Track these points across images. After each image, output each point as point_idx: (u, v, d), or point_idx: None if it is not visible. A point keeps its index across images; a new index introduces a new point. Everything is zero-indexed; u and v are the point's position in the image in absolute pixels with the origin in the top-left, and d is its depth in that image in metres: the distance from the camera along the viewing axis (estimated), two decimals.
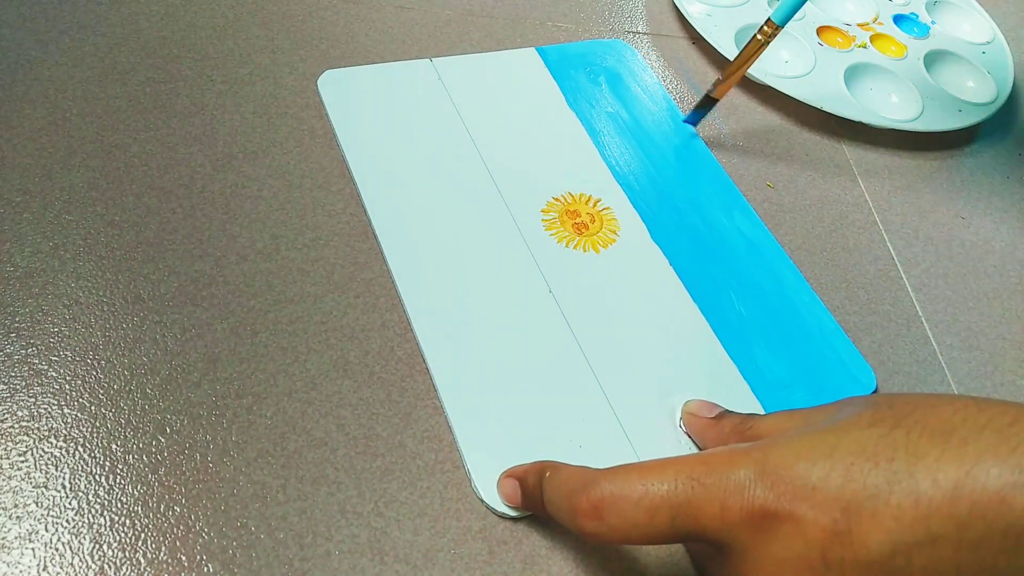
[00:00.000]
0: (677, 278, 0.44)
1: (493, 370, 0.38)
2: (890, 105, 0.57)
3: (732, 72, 0.48)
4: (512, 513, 0.34)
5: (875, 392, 0.42)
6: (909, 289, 0.47)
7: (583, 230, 0.45)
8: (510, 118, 0.50)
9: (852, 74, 0.57)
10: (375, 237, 0.42)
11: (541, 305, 0.41)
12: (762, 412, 0.39)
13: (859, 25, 0.62)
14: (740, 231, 0.47)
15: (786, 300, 0.44)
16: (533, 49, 0.55)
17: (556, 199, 0.46)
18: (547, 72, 0.53)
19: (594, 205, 0.46)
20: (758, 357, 0.41)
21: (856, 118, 0.54)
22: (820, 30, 0.60)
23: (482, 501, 0.34)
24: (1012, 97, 0.60)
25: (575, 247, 0.44)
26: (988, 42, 0.64)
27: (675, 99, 0.54)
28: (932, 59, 0.60)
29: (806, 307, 0.44)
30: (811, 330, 0.43)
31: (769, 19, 0.46)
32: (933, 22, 0.64)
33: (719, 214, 0.48)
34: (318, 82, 0.49)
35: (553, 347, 0.40)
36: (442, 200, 0.44)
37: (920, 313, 0.46)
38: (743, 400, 0.40)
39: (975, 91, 0.59)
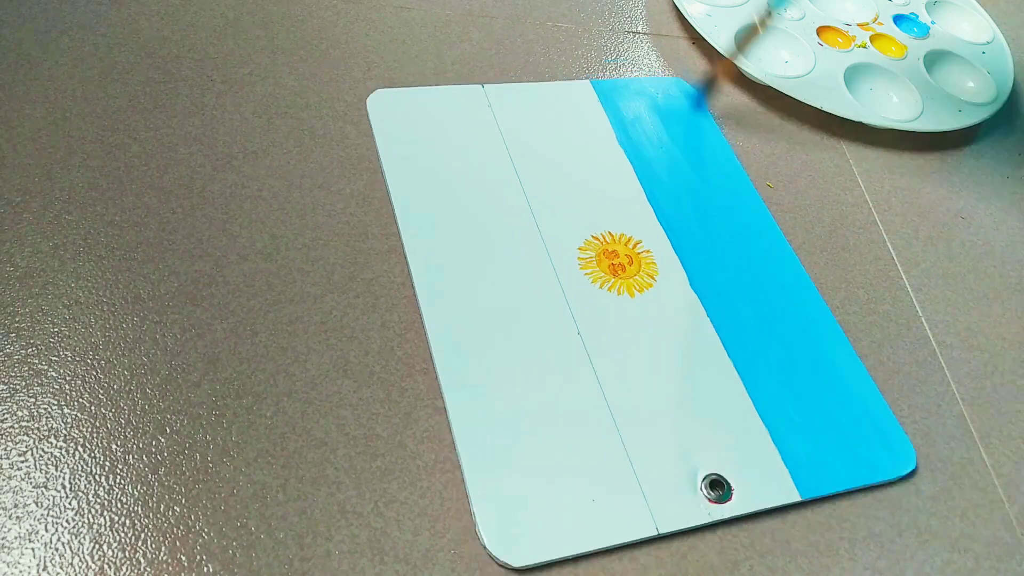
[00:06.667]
0: (714, 331, 0.42)
1: (510, 410, 0.37)
2: (890, 105, 0.57)
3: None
4: (516, 565, 0.33)
5: (914, 470, 0.39)
6: (909, 289, 0.47)
7: (619, 272, 0.43)
8: (556, 150, 0.48)
9: (852, 74, 0.57)
10: (403, 253, 0.42)
11: (567, 346, 0.39)
12: (789, 479, 0.37)
13: (859, 25, 0.62)
14: (788, 289, 0.44)
15: (829, 365, 0.42)
16: (588, 82, 0.53)
17: (595, 237, 0.44)
18: (600, 106, 0.52)
19: (634, 247, 0.44)
20: (792, 423, 0.39)
21: (856, 118, 0.54)
22: (820, 30, 0.60)
23: (485, 549, 0.33)
24: (1012, 97, 0.60)
25: (609, 289, 0.42)
26: (988, 42, 0.64)
27: (733, 144, 0.52)
28: (932, 59, 0.60)
29: (849, 375, 0.42)
30: (852, 400, 0.41)
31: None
32: (933, 22, 0.64)
33: (767, 269, 0.45)
34: (367, 101, 0.48)
35: (575, 392, 0.38)
36: (476, 227, 0.43)
37: (920, 313, 0.46)
38: (771, 467, 0.37)
39: (975, 91, 0.59)
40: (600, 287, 0.42)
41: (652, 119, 0.52)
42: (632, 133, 0.51)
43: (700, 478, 0.36)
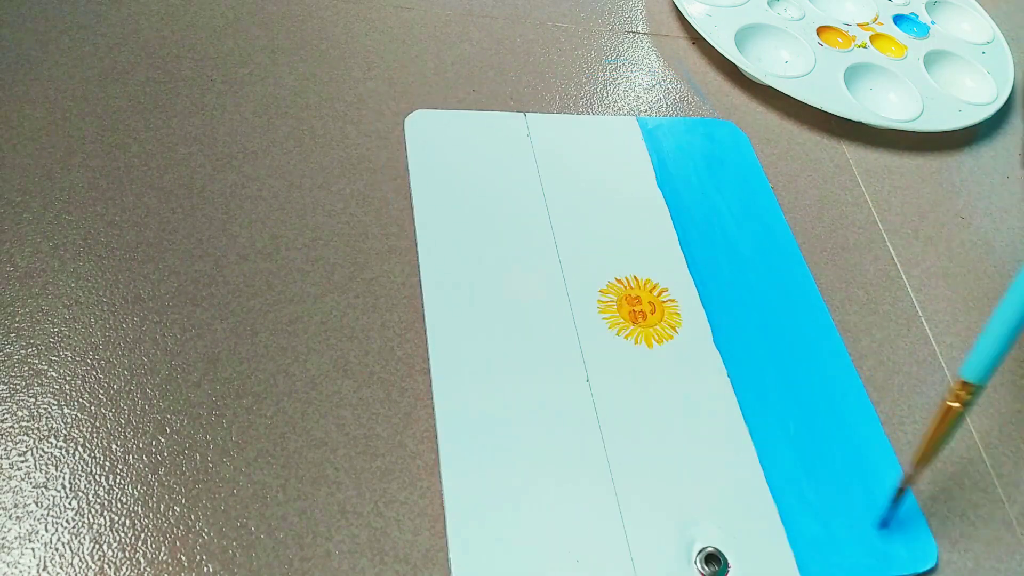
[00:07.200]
0: (732, 393, 0.39)
1: (504, 452, 0.35)
2: (890, 105, 0.57)
3: (924, 452, 0.35)
4: None
5: (934, 568, 0.36)
6: (909, 289, 0.47)
7: (640, 319, 0.41)
8: (591, 185, 0.46)
9: (852, 74, 0.57)
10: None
11: (574, 393, 0.38)
12: (792, 563, 0.34)
13: (859, 25, 0.62)
14: (821, 361, 0.42)
15: (856, 447, 0.39)
16: (634, 119, 0.51)
17: (619, 280, 0.42)
18: (643, 144, 0.49)
19: (658, 294, 0.42)
20: (805, 501, 0.36)
21: (856, 118, 0.54)
22: (820, 30, 0.60)
23: None
24: (1012, 97, 0.60)
25: (627, 336, 0.40)
26: (988, 42, 0.64)
27: (779, 196, 0.50)
28: (932, 59, 0.60)
29: (877, 460, 0.39)
30: (877, 486, 0.38)
31: (960, 378, 0.34)
32: (933, 22, 0.64)
33: (800, 337, 0.42)
34: (405, 121, 0.48)
35: (575, 442, 0.36)
36: (497, 256, 0.42)
37: (920, 313, 0.46)
38: (775, 546, 0.35)
39: (975, 91, 0.59)
40: (617, 333, 0.40)
41: (698, 163, 0.49)
42: (674, 175, 0.48)
43: (696, 550, 0.34)
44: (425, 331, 0.39)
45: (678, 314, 0.42)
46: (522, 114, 0.50)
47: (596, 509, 0.34)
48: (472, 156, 0.47)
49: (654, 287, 0.43)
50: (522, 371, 0.38)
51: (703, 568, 0.34)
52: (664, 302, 0.42)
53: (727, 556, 0.34)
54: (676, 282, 0.43)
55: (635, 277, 0.43)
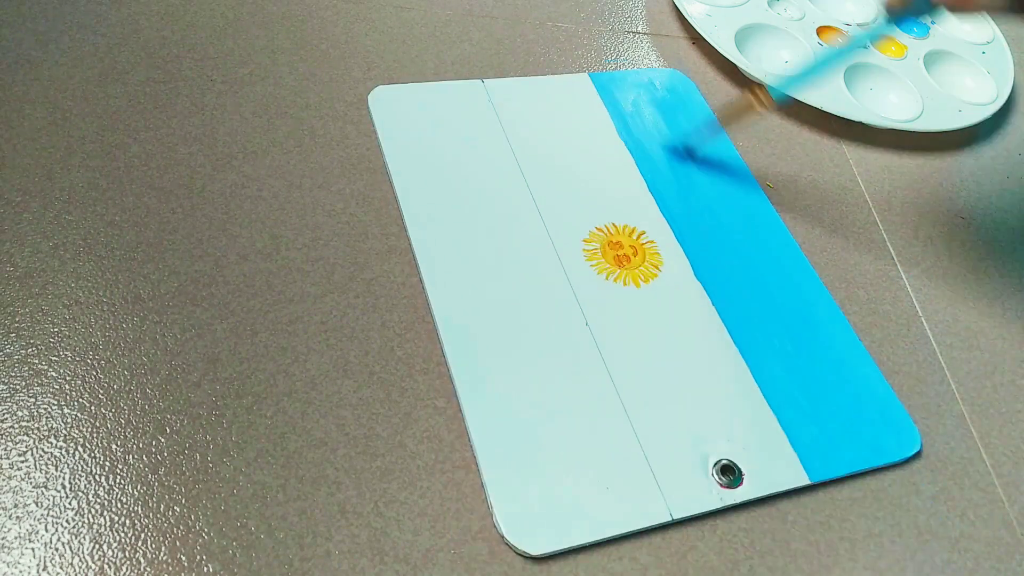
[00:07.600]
0: (719, 318, 0.42)
1: (523, 402, 0.37)
2: (890, 105, 0.57)
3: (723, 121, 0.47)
4: (534, 553, 0.33)
5: (918, 453, 0.40)
6: (909, 289, 0.47)
7: (624, 263, 0.43)
8: (558, 144, 0.49)
9: (852, 74, 0.57)
10: (404, 252, 0.42)
11: (577, 337, 0.40)
12: (798, 463, 0.38)
13: (859, 25, 0.62)
14: (789, 276, 0.45)
15: (832, 351, 0.42)
16: (586, 75, 0.54)
17: (599, 229, 0.45)
18: (599, 99, 0.52)
19: (638, 238, 0.45)
20: (799, 408, 0.40)
21: (856, 118, 0.54)
22: (820, 30, 0.60)
23: (503, 539, 0.33)
24: (1012, 97, 0.60)
25: (615, 280, 0.43)
26: (988, 42, 0.64)
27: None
28: (932, 59, 0.60)
29: (853, 360, 0.42)
30: (857, 384, 0.41)
31: (768, 92, 0.43)
32: (933, 22, 0.64)
33: (768, 257, 0.46)
34: (368, 97, 0.48)
35: (586, 382, 0.38)
36: (483, 222, 0.44)
37: (920, 313, 0.46)
38: (780, 451, 0.38)
39: (975, 91, 0.59)
40: (606, 278, 0.43)
41: (650, 111, 0.53)
42: (632, 125, 0.51)
43: (711, 464, 0.37)
44: (433, 321, 0.39)
45: (658, 254, 0.45)
46: (480, 80, 0.51)
47: (616, 441, 0.37)
48: (440, 127, 0.48)
49: (632, 231, 0.45)
50: (525, 325, 0.40)
51: (720, 479, 0.37)
52: (644, 244, 0.45)
53: (740, 466, 0.37)
54: (652, 225, 0.46)
55: (614, 224, 0.45)
